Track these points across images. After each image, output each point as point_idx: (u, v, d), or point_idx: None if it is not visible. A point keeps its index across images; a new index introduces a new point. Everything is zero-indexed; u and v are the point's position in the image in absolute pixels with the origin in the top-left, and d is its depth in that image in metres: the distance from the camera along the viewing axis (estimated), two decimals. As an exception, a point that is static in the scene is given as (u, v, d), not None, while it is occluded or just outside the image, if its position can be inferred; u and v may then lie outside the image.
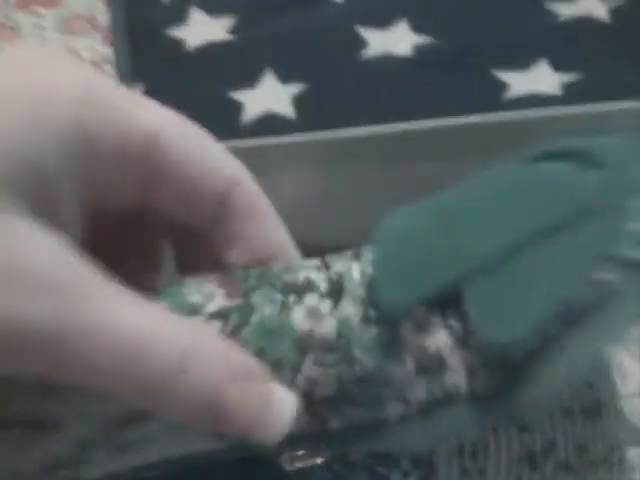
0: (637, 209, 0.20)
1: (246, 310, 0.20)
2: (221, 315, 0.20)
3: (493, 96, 0.51)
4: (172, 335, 0.18)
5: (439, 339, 0.21)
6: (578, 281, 0.20)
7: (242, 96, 0.53)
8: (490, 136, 0.36)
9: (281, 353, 0.20)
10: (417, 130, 0.36)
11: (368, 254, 0.22)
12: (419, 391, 0.22)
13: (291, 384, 0.20)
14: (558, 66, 0.52)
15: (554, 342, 0.20)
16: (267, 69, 0.54)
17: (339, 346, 0.21)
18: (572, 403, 0.31)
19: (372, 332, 0.21)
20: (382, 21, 0.56)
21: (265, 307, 0.21)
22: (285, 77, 0.54)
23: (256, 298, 0.21)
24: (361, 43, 0.55)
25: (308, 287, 0.21)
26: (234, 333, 0.20)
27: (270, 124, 0.51)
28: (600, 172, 0.21)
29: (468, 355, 0.21)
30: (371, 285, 0.21)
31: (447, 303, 0.21)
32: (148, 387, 0.17)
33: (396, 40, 0.55)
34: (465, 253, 0.21)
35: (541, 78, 0.52)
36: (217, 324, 0.20)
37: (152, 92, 0.52)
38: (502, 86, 0.51)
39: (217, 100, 0.53)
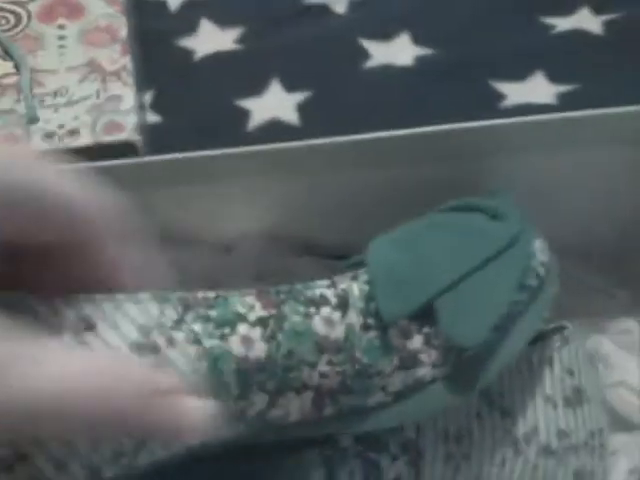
0: (534, 250, 0.31)
1: (279, 319, 0.25)
2: (261, 323, 0.25)
3: (490, 105, 0.53)
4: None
5: (415, 342, 0.28)
6: (505, 299, 0.29)
7: (249, 104, 0.55)
8: (488, 139, 0.38)
9: (304, 354, 0.25)
10: (417, 133, 0.38)
11: (364, 276, 0.28)
12: (397, 382, 0.28)
13: (308, 379, 0.25)
14: (554, 77, 0.54)
15: (496, 338, 0.29)
16: (273, 78, 0.56)
17: (346, 348, 0.26)
18: (554, 391, 0.32)
19: (369, 337, 0.27)
20: (384, 33, 0.58)
21: (293, 316, 0.26)
22: (291, 86, 0.56)
23: (286, 309, 0.26)
24: (364, 54, 0.57)
25: (323, 301, 0.27)
26: (271, 337, 0.25)
27: (275, 131, 0.53)
28: (502, 222, 0.31)
29: (434, 352, 0.28)
30: (371, 300, 0.27)
31: (422, 315, 0.28)
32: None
33: (397, 52, 0.57)
34: (434, 279, 0.28)
35: (537, 89, 0.53)
36: (259, 330, 0.25)
37: (162, 99, 0.54)
38: (499, 96, 0.53)
39: (224, 107, 0.55)
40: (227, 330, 0.24)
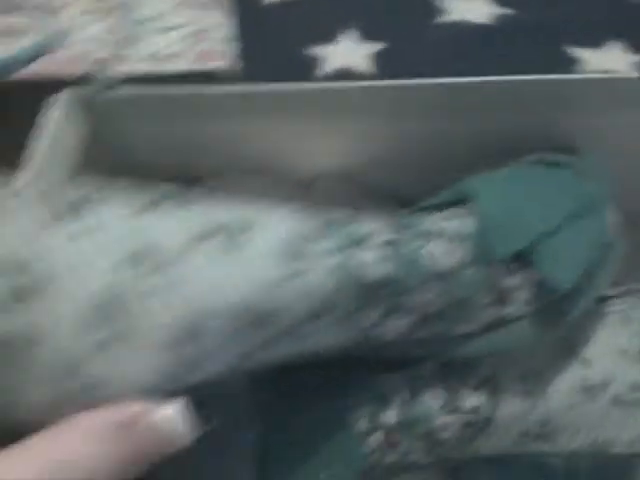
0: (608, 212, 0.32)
1: (399, 243, 0.27)
2: (385, 245, 0.26)
3: (564, 71, 0.53)
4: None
5: (510, 281, 0.29)
6: (590, 250, 0.30)
7: (320, 51, 0.55)
8: (566, 93, 0.38)
9: (417, 279, 0.27)
10: (496, 81, 0.38)
11: (470, 214, 0.29)
12: (487, 316, 0.29)
13: (415, 303, 0.27)
14: (630, 47, 0.53)
15: (579, 285, 0.30)
16: (347, 27, 0.56)
17: (451, 278, 0.28)
18: (630, 345, 0.33)
19: (472, 270, 0.28)
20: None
21: (411, 243, 0.27)
22: (365, 36, 0.56)
23: (405, 236, 0.27)
24: (441, 9, 0.57)
25: (438, 233, 0.28)
26: (393, 259, 0.26)
27: (346, 78, 0.54)
28: (586, 180, 0.33)
29: (525, 292, 0.29)
30: (477, 237, 0.28)
31: (518, 256, 0.29)
32: None
33: (475, 9, 0.57)
34: (533, 224, 0.29)
35: (612, 57, 0.53)
36: (382, 251, 0.26)
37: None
38: (573, 61, 0.53)
39: (295, 54, 0.56)
40: (359, 247, 0.26)
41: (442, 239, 0.28)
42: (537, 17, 0.57)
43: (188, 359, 0.20)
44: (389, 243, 0.27)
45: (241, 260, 0.22)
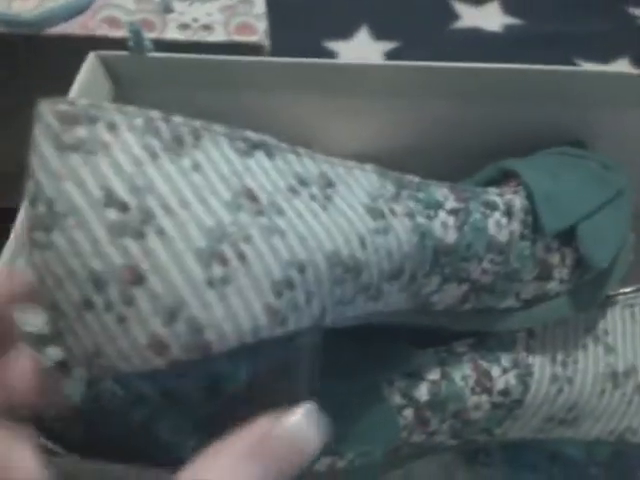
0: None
1: (467, 212, 0.27)
2: (454, 213, 0.27)
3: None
4: None
5: (554, 258, 0.30)
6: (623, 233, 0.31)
7: (336, 46, 0.56)
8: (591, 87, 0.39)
9: (478, 249, 0.27)
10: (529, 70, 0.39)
11: (522, 192, 0.30)
12: (529, 291, 0.30)
13: (472, 273, 0.27)
14: (637, 64, 0.55)
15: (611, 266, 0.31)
16: (363, 24, 0.57)
17: (505, 251, 0.28)
18: (654, 336, 0.34)
19: (522, 245, 0.29)
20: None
21: (475, 213, 0.27)
22: (379, 34, 0.56)
23: (471, 206, 0.27)
24: (454, 15, 0.58)
25: (495, 206, 0.28)
26: (460, 227, 0.27)
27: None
28: (613, 172, 0.33)
29: (565, 270, 0.30)
30: (528, 213, 0.29)
31: (561, 235, 0.30)
32: None
33: (487, 17, 0.58)
34: (577, 205, 0.30)
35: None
36: (452, 218, 0.26)
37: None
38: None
39: (312, 48, 0.56)
40: (431, 212, 0.26)
41: (499, 212, 0.28)
42: (547, 29, 0.58)
43: (287, 305, 0.20)
44: (458, 211, 0.27)
45: (334, 212, 0.22)
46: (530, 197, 0.29)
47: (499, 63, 0.55)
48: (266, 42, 0.38)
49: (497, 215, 0.28)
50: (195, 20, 0.37)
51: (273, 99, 0.38)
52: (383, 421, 0.30)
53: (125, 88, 0.39)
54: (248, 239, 0.19)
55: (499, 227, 0.28)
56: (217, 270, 0.19)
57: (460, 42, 0.57)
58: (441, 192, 0.27)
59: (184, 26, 0.37)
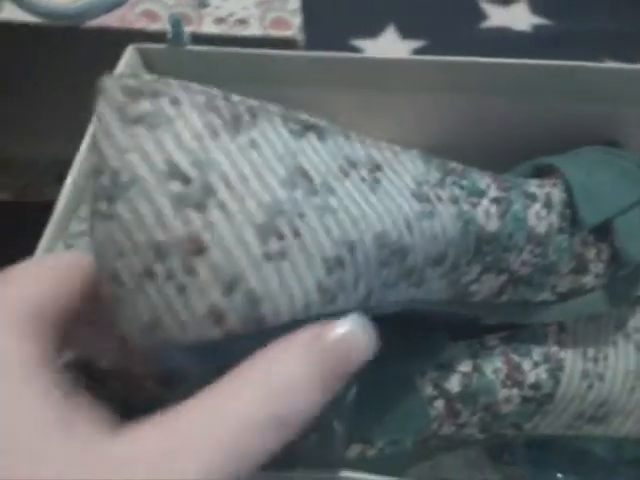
0: None
1: (508, 202, 0.28)
2: (497, 201, 0.27)
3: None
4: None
5: (590, 252, 0.30)
6: None
7: (363, 44, 0.56)
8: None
9: (519, 239, 0.27)
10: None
11: (561, 185, 0.30)
12: (565, 284, 0.30)
13: (511, 264, 0.27)
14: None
15: None
16: (390, 23, 0.57)
17: (544, 243, 0.28)
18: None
19: (560, 238, 0.29)
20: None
21: (516, 204, 0.28)
22: (406, 33, 0.57)
23: (512, 195, 0.28)
24: (482, 15, 0.58)
25: (534, 197, 0.29)
26: (502, 216, 0.27)
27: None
28: None
29: (601, 264, 0.30)
30: (567, 207, 0.29)
31: (597, 230, 0.30)
32: None
33: (515, 17, 0.58)
34: (612, 201, 0.30)
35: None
36: (495, 207, 0.27)
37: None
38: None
39: (340, 46, 0.56)
40: (475, 200, 0.26)
41: (539, 203, 0.29)
42: (575, 29, 0.58)
43: (337, 284, 0.20)
44: (500, 200, 0.27)
45: (382, 194, 0.22)
46: (569, 190, 0.30)
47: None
48: (300, 37, 0.38)
49: (537, 206, 0.28)
50: (231, 14, 0.38)
51: (305, 92, 0.39)
52: (414, 411, 0.30)
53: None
54: (302, 216, 0.20)
55: (539, 218, 0.28)
56: (274, 245, 0.19)
57: (488, 42, 0.57)
58: (484, 180, 0.27)
59: (220, 20, 0.37)
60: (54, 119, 0.44)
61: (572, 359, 0.32)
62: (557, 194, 0.29)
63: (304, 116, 0.21)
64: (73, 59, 0.39)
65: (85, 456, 0.17)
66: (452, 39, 0.57)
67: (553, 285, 0.30)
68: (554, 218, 0.29)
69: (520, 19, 0.58)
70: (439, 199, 0.24)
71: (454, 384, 0.31)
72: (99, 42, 0.38)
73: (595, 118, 0.39)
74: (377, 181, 0.22)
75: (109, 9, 0.34)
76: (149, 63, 0.38)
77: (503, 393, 0.31)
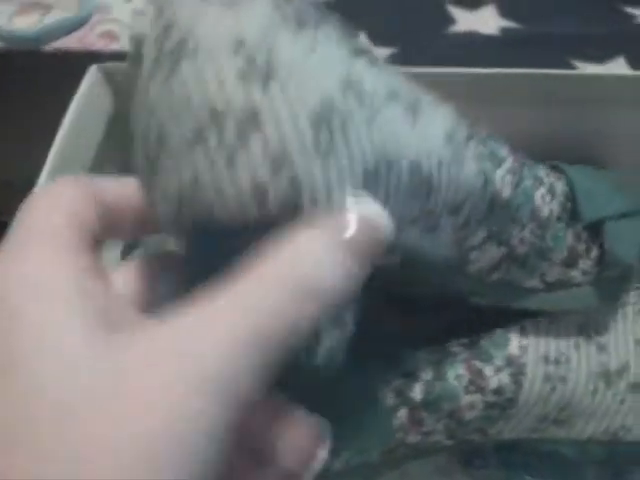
0: None
1: (521, 176, 0.29)
2: (511, 172, 0.28)
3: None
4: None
5: (580, 247, 0.31)
6: None
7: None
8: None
9: (524, 214, 0.28)
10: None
11: (564, 179, 0.32)
12: (554, 274, 0.31)
13: (512, 237, 0.28)
14: (634, 64, 0.55)
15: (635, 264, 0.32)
16: (359, 31, 0.57)
17: (544, 226, 0.30)
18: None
19: (558, 226, 0.30)
20: (471, 4, 0.60)
21: (526, 180, 0.29)
22: (376, 40, 0.57)
23: (524, 172, 0.29)
24: (450, 20, 0.59)
25: (542, 181, 0.30)
26: (515, 187, 0.28)
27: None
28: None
29: (589, 261, 0.32)
30: (567, 199, 0.31)
31: (590, 228, 0.31)
32: None
33: (483, 21, 0.58)
34: (609, 205, 0.32)
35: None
36: (509, 177, 0.28)
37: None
38: (579, 75, 0.55)
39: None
40: (495, 164, 0.27)
41: (544, 187, 0.30)
42: (543, 31, 0.58)
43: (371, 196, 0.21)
44: (514, 172, 0.28)
45: (420, 128, 0.23)
46: (570, 186, 0.31)
47: (496, 66, 0.56)
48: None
49: (543, 190, 0.30)
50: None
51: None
52: (377, 422, 0.30)
53: (127, 99, 0.39)
54: (352, 120, 0.20)
55: (543, 201, 0.29)
56: (324, 137, 0.19)
57: (457, 46, 0.57)
58: (504, 150, 0.28)
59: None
60: (20, 141, 0.44)
61: (534, 363, 0.32)
62: (560, 186, 0.31)
63: (359, 40, 0.22)
64: (36, 81, 0.39)
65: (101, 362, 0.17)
66: (422, 45, 0.57)
67: (543, 273, 0.31)
68: (555, 205, 0.30)
69: (488, 23, 0.58)
70: (466, 152, 0.25)
71: (417, 392, 0.31)
72: (60, 65, 0.38)
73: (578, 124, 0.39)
74: (416, 115, 0.23)
75: (69, 31, 0.35)
76: (113, 82, 0.38)
77: (466, 399, 0.31)
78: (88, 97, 0.37)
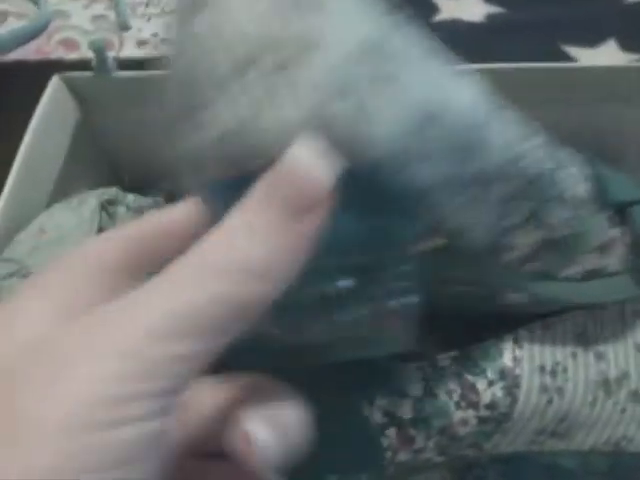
0: None
1: (554, 152, 0.27)
2: (545, 145, 0.26)
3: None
4: None
5: (613, 232, 0.30)
6: None
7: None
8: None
9: (559, 188, 0.27)
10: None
11: (589, 165, 0.30)
12: (590, 262, 0.29)
13: (550, 216, 0.27)
14: (625, 45, 0.53)
15: None
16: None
17: (580, 206, 0.28)
18: (646, 341, 0.32)
19: (593, 210, 0.29)
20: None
21: (561, 156, 0.27)
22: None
23: (554, 149, 0.27)
24: (433, 8, 0.57)
25: (572, 162, 0.28)
26: (546, 162, 0.26)
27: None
28: None
29: (622, 248, 0.30)
30: (598, 181, 0.29)
31: (620, 213, 0.30)
32: None
33: (467, 8, 0.56)
34: (635, 191, 0.30)
35: (608, 56, 0.53)
36: (542, 150, 0.26)
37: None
38: (569, 60, 0.53)
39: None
40: (527, 138, 0.26)
41: (575, 168, 0.28)
42: (529, 16, 0.56)
43: (418, 144, 0.20)
44: (548, 146, 0.27)
45: (462, 85, 0.22)
46: (596, 169, 0.29)
47: (483, 55, 0.54)
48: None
49: (574, 169, 0.28)
50: (154, 35, 0.36)
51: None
52: (366, 442, 0.29)
53: (92, 109, 0.38)
54: (406, 65, 0.20)
55: (577, 181, 0.28)
56: (382, 70, 0.19)
57: (442, 35, 0.55)
58: (532, 125, 0.27)
59: (142, 42, 0.36)
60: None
61: (529, 374, 0.30)
62: (589, 170, 0.29)
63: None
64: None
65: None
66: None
67: (579, 260, 0.29)
68: (588, 186, 0.28)
69: (472, 10, 0.56)
70: (506, 116, 0.24)
71: (406, 410, 0.29)
72: (22, 75, 0.36)
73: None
74: (456, 72, 0.22)
75: (25, 41, 0.33)
76: (76, 92, 0.37)
77: (458, 415, 0.30)
78: (51, 108, 0.36)
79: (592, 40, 0.54)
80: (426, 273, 0.22)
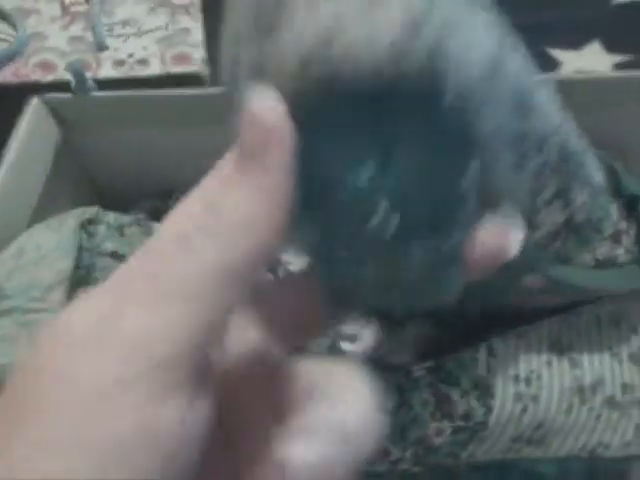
0: None
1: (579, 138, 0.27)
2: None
3: (546, 72, 0.53)
4: None
5: (623, 224, 0.31)
6: None
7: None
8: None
9: (585, 171, 0.27)
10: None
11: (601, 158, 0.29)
12: (603, 250, 0.30)
13: (575, 197, 0.27)
14: (610, 47, 0.53)
15: None
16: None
17: (598, 193, 0.28)
18: (619, 347, 0.32)
19: (607, 199, 0.30)
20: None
21: (578, 143, 0.26)
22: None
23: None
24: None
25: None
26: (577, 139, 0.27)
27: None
28: None
29: (629, 238, 0.31)
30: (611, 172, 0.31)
31: (627, 205, 0.32)
32: None
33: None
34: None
35: (592, 58, 0.53)
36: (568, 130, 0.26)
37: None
38: (554, 63, 0.53)
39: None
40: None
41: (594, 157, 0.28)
42: (515, 20, 0.56)
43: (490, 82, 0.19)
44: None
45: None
46: (608, 164, 0.30)
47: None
48: (205, 71, 0.37)
49: (592, 156, 0.28)
50: (131, 55, 0.37)
51: (217, 131, 0.38)
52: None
53: (71, 129, 0.38)
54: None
55: (596, 168, 0.28)
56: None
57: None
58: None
59: (119, 62, 0.36)
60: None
61: (503, 383, 0.31)
62: (604, 164, 0.29)
63: None
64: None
65: None
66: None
67: (594, 247, 0.30)
68: (604, 176, 0.29)
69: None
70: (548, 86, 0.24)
71: (380, 423, 0.30)
72: (1, 97, 0.37)
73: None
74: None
75: (2, 65, 0.33)
76: (56, 113, 0.37)
77: (433, 425, 0.30)
78: (32, 130, 0.36)
79: (576, 42, 0.54)
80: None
